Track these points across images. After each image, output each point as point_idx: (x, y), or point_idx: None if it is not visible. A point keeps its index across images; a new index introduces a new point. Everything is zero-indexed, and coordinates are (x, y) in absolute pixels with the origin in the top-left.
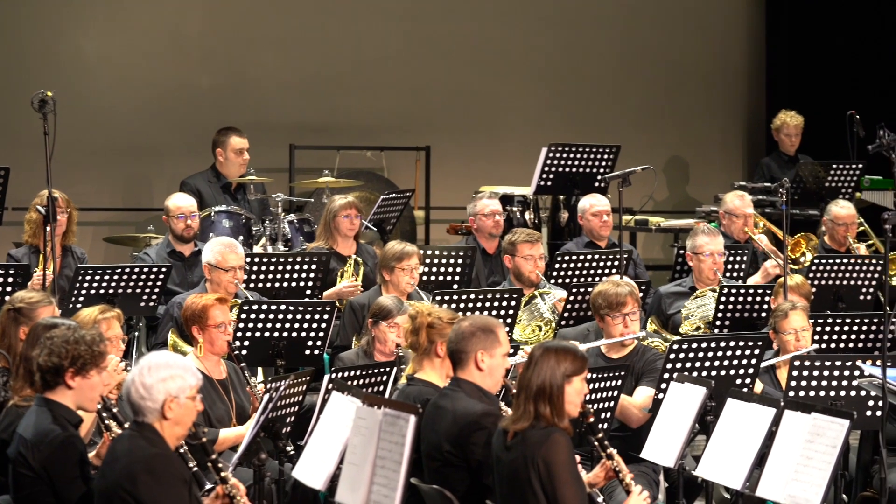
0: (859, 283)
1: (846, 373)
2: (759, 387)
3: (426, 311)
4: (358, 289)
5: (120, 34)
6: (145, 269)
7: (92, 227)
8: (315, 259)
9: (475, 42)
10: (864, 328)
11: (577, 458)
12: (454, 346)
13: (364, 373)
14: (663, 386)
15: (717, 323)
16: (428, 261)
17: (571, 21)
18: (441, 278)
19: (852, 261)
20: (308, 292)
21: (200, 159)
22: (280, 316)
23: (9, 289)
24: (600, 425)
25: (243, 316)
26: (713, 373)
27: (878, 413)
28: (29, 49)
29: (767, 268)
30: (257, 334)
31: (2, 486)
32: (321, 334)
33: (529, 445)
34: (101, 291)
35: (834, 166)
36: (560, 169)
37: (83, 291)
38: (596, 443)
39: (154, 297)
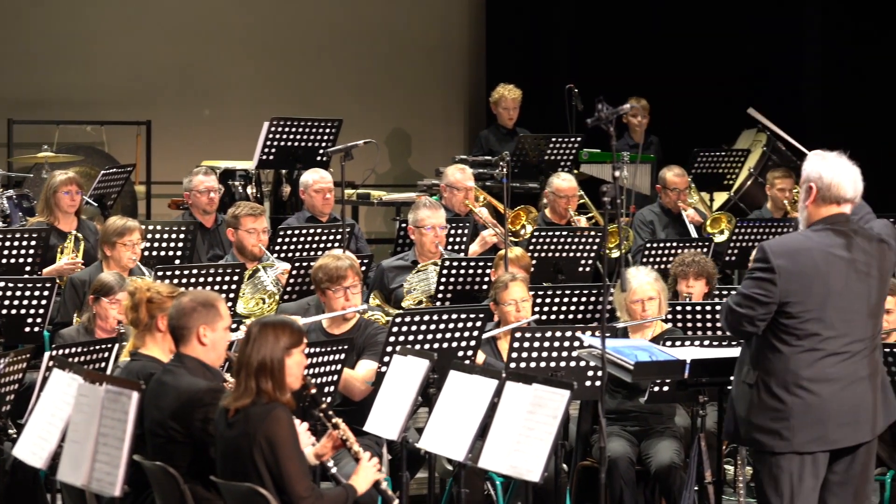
0: (579, 255)
1: (566, 344)
2: (480, 358)
3: (145, 286)
4: (79, 265)
5: None
6: None
7: None
8: (34, 235)
9: (195, 15)
10: (584, 300)
11: (306, 426)
12: (175, 322)
13: (85, 349)
14: (386, 359)
15: (439, 296)
16: (150, 236)
17: None
18: (163, 253)
19: (572, 233)
20: (27, 269)
21: None
22: None
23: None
24: (323, 398)
25: None
26: (435, 345)
27: (598, 383)
28: None
29: (485, 236)
30: None
31: None
32: (41, 311)
33: (252, 422)
34: None
35: (553, 139)
36: (282, 143)
37: None
38: (321, 414)
39: None
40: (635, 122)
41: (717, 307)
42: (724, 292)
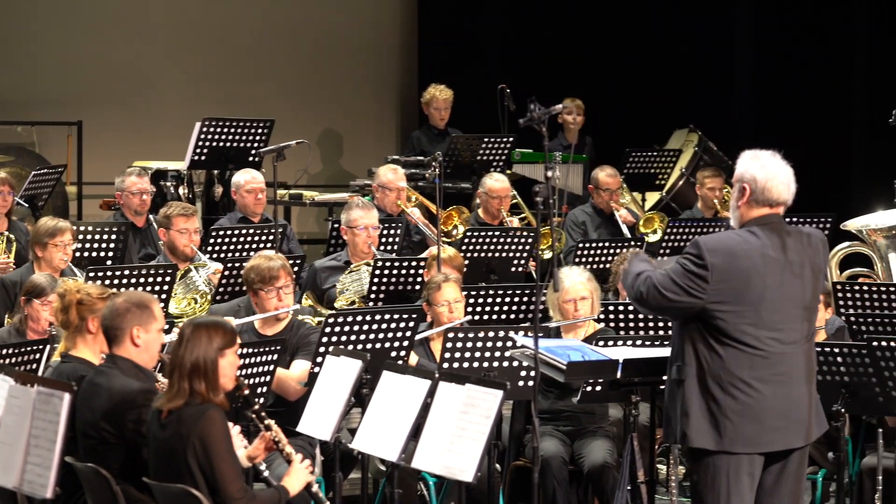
0: (511, 255)
1: (499, 344)
2: (413, 359)
3: (75, 288)
4: (10, 266)
5: None
6: None
7: None
8: None
9: (126, 14)
10: (517, 300)
11: (238, 429)
12: (108, 323)
13: (16, 351)
14: (319, 360)
15: (372, 296)
16: (81, 237)
17: None
18: (95, 254)
19: (504, 233)
20: None
21: None
22: None
23: None
24: (257, 399)
25: None
26: (368, 346)
27: (531, 383)
28: None
29: (433, 252)
30: None
31: None
32: None
33: (185, 423)
34: None
35: (485, 140)
36: (214, 143)
37: None
38: (253, 415)
39: None
40: (570, 121)
41: None
42: None
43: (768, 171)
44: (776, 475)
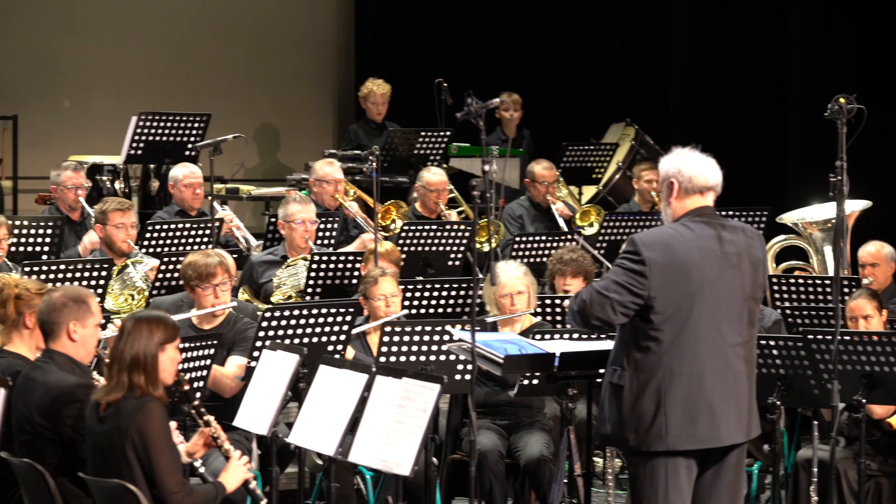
0: (448, 248)
1: (436, 338)
2: (350, 353)
3: (13, 282)
4: None
5: None
6: None
7: None
8: None
9: (62, 8)
10: (454, 293)
11: (174, 425)
12: (45, 318)
13: None
14: (256, 354)
15: (309, 290)
16: (17, 231)
17: None
18: (30, 249)
19: (441, 227)
20: None
21: None
22: None
23: None
24: (195, 394)
25: None
26: (305, 340)
27: (468, 377)
28: None
29: (365, 240)
30: None
31: None
32: None
33: (123, 416)
34: None
35: (422, 134)
36: (150, 138)
37: None
38: (192, 411)
39: None
40: (507, 116)
41: None
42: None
43: (691, 161)
44: (715, 470)
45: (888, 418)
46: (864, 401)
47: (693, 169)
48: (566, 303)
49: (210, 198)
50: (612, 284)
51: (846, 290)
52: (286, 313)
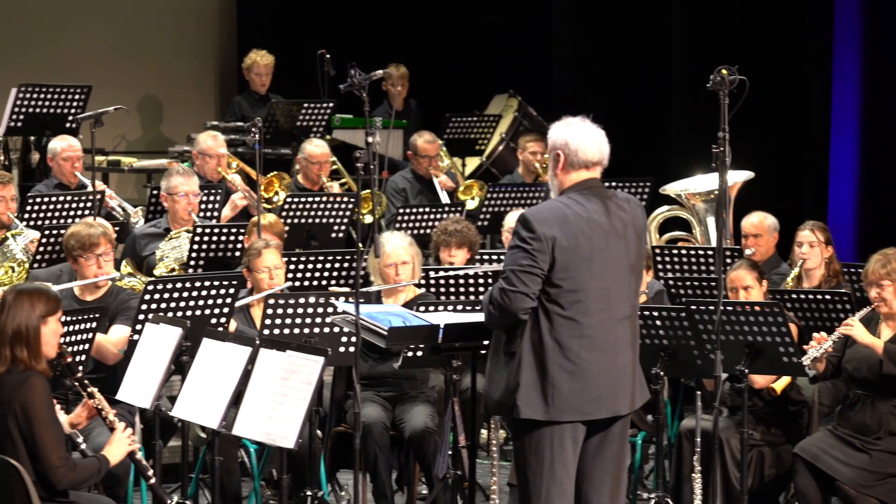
0: (332, 220)
1: (320, 310)
2: (233, 326)
3: None
4: None
5: None
6: None
7: None
8: None
9: None
10: (338, 265)
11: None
12: None
13: None
14: (139, 327)
15: (192, 263)
16: None
17: None
18: None
19: (324, 199)
20: None
21: None
22: None
23: None
24: (78, 367)
25: None
26: (189, 313)
27: (352, 349)
28: None
29: (234, 200)
30: None
31: None
32: None
33: (6, 390)
34: None
35: (305, 105)
36: (30, 110)
37: None
38: (76, 383)
39: None
40: (394, 91)
41: (471, 272)
42: (485, 257)
43: (579, 134)
44: (600, 440)
45: (772, 384)
46: (746, 371)
47: (580, 143)
48: (450, 273)
49: (91, 171)
50: (515, 276)
51: (729, 260)
52: (169, 286)
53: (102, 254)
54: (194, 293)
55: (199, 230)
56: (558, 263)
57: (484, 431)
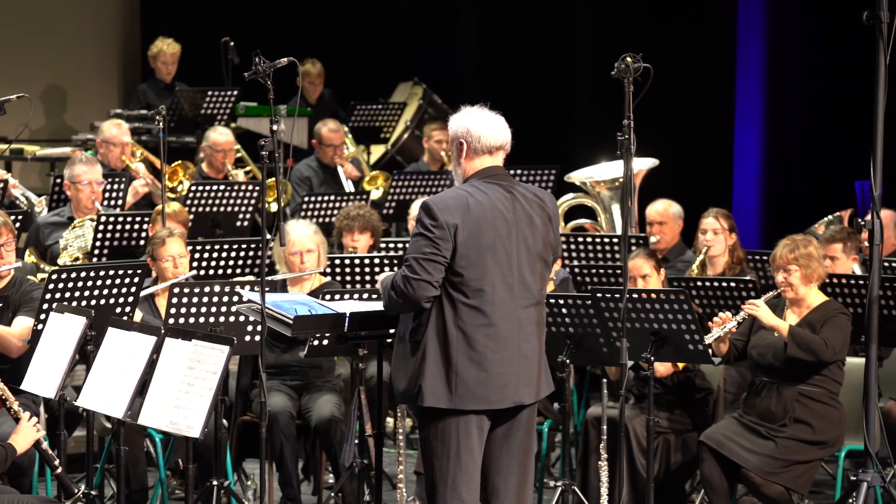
0: (237, 209)
1: (225, 298)
2: (138, 315)
3: None
4: None
5: None
6: None
7: None
8: None
9: None
10: (242, 254)
11: None
12: None
13: None
14: (42, 317)
15: (96, 252)
16: None
17: None
18: None
19: (229, 187)
20: None
21: None
22: None
23: None
24: None
25: None
26: (93, 302)
27: (257, 338)
28: None
29: (136, 187)
30: None
31: None
32: None
33: None
34: None
35: (209, 93)
36: None
37: None
38: None
39: None
40: (308, 88)
41: (376, 260)
42: (390, 244)
43: (480, 121)
44: (506, 429)
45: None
46: (652, 358)
47: (482, 129)
48: (355, 262)
49: None
50: (418, 264)
51: (634, 248)
52: (73, 275)
53: (3, 244)
54: (98, 282)
55: (102, 219)
56: (460, 251)
57: (390, 420)
